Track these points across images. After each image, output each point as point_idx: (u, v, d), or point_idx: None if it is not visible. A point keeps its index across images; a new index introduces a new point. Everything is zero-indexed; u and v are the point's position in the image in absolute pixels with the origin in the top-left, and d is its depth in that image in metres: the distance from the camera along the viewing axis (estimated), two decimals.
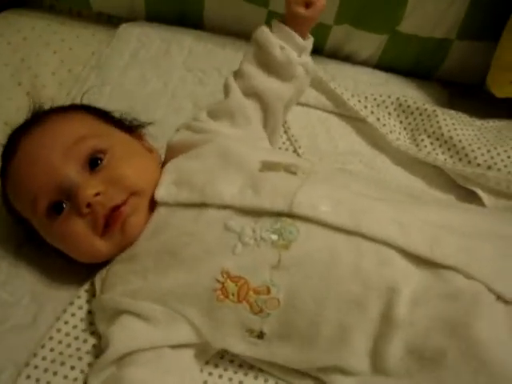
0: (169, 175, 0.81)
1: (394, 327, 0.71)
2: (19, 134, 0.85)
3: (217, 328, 0.74)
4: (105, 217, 0.77)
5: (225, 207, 0.75)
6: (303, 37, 0.89)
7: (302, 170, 0.80)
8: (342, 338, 0.72)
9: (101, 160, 0.80)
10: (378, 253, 0.72)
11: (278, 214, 0.74)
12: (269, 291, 0.72)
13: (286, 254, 0.72)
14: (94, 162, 0.80)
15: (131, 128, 0.92)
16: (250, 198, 0.75)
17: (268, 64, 0.89)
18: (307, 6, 0.86)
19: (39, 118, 0.88)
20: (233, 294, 0.72)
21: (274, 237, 0.72)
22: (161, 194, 0.79)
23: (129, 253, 0.79)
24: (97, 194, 0.77)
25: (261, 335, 0.74)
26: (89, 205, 0.76)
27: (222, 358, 0.78)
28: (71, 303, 0.81)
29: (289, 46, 0.88)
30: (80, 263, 0.83)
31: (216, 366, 0.78)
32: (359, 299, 0.71)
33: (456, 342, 0.69)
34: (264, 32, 0.89)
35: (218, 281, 0.72)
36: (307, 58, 0.92)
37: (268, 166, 0.80)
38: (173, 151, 0.87)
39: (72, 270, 0.85)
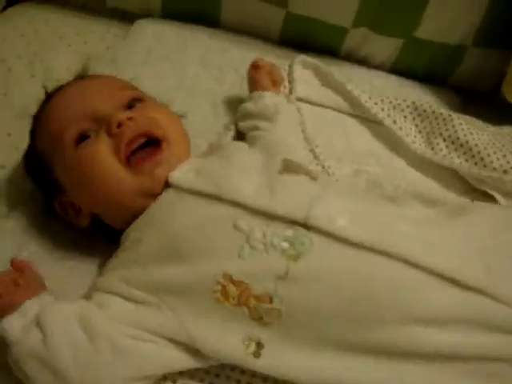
0: (190, 163, 0.81)
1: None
2: (61, 86, 0.88)
3: (212, 334, 0.70)
4: (130, 140, 0.77)
5: (237, 204, 0.73)
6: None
7: (322, 178, 0.79)
8: (348, 356, 0.69)
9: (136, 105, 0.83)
10: (395, 272, 0.69)
11: (293, 222, 0.71)
12: (271, 301, 0.68)
13: (294, 265, 0.68)
14: (130, 107, 0.82)
15: None
16: (266, 200, 0.73)
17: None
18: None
19: (87, 75, 0.93)
20: (233, 298, 0.69)
21: (285, 245, 0.69)
22: (177, 174, 0.78)
23: (135, 236, 0.77)
24: (130, 119, 0.78)
25: (258, 351, 0.70)
26: (119, 126, 0.77)
27: None
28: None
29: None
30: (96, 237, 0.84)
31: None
32: (371, 321, 0.68)
33: None
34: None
35: (219, 283, 0.69)
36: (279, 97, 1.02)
37: (289, 166, 0.79)
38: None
39: (93, 255, 0.85)
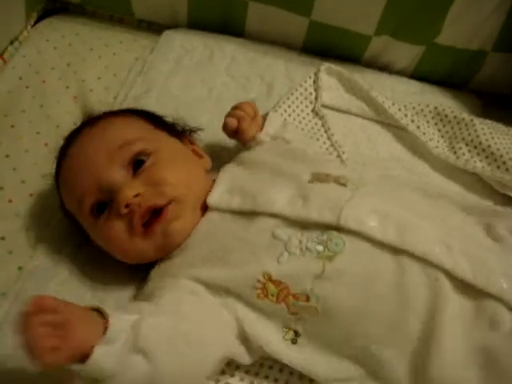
0: (222, 183, 0.85)
1: (433, 352, 0.71)
2: (71, 137, 0.90)
3: (256, 319, 0.76)
4: (141, 216, 0.79)
5: (274, 216, 0.78)
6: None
7: (351, 182, 0.82)
8: (374, 354, 0.74)
9: (144, 162, 0.83)
10: (421, 272, 0.73)
11: (326, 227, 0.76)
12: (308, 299, 0.74)
13: (329, 265, 0.74)
14: (137, 164, 0.83)
15: (183, 133, 0.96)
16: (299, 209, 0.77)
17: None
18: None
19: (91, 121, 0.92)
20: (272, 295, 0.75)
21: (320, 247, 0.75)
22: (214, 198, 0.82)
23: (178, 254, 0.81)
24: (136, 195, 0.79)
25: (295, 338, 0.76)
26: (127, 205, 0.79)
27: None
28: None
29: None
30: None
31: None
32: (397, 318, 0.73)
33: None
34: None
35: (259, 281, 0.75)
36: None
37: (318, 178, 0.82)
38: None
39: (133, 266, 0.87)
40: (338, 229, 0.75)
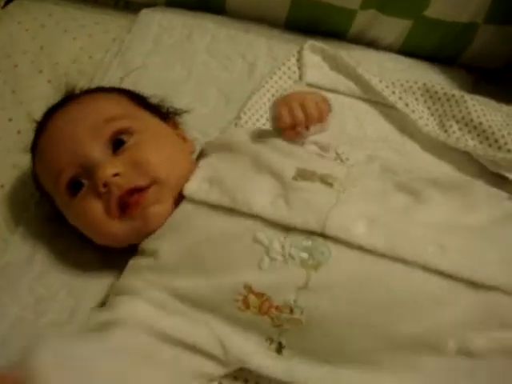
0: (203, 171, 0.80)
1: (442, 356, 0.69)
2: (53, 110, 0.86)
3: (236, 333, 0.72)
4: (119, 198, 0.75)
5: (254, 216, 0.72)
6: None
7: (338, 182, 0.76)
8: (369, 361, 0.70)
9: (125, 141, 0.79)
10: (414, 278, 0.69)
11: (311, 232, 0.71)
12: (291, 311, 0.70)
13: (314, 275, 0.69)
14: (118, 143, 0.79)
15: (167, 115, 0.91)
16: (282, 212, 0.72)
17: None
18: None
19: (74, 95, 0.88)
20: (254, 307, 0.71)
21: (304, 255, 0.70)
22: (191, 188, 0.77)
23: (151, 247, 0.77)
24: (115, 175, 0.75)
25: (279, 348, 0.72)
26: (106, 184, 0.75)
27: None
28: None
29: None
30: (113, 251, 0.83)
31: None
32: (391, 330, 0.69)
33: None
34: None
35: (240, 293, 0.70)
36: None
37: (303, 175, 0.76)
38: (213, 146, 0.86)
39: (109, 261, 0.84)
40: (324, 235, 0.71)
